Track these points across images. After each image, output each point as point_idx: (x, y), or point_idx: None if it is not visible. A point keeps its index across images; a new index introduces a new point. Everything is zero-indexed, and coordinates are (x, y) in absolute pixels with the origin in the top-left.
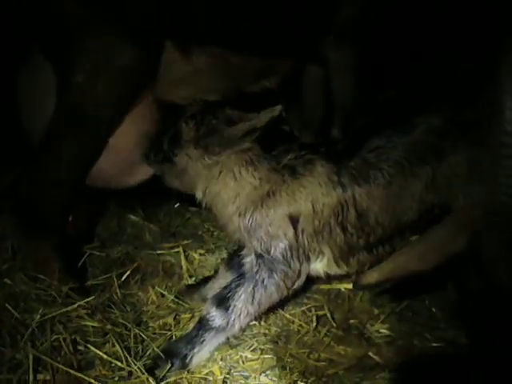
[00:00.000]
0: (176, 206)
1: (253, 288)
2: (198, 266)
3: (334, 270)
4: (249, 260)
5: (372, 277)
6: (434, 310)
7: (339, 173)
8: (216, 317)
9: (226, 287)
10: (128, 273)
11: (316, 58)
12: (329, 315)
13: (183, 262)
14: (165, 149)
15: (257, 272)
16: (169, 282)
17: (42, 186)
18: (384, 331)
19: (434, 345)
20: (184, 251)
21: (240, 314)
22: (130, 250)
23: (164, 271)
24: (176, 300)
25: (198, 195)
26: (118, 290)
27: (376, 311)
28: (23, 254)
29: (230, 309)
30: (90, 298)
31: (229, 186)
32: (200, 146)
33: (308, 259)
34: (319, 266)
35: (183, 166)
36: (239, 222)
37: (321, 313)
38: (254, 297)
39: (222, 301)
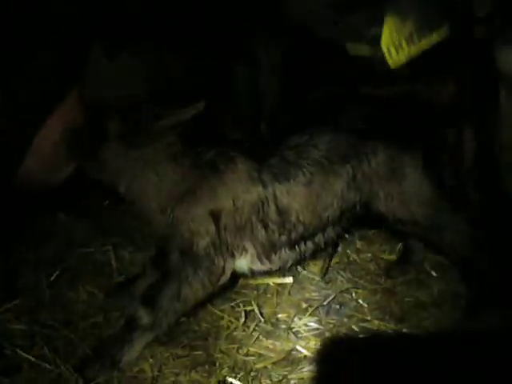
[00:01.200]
0: (105, 203)
1: (178, 285)
2: (128, 263)
3: (258, 267)
4: (173, 258)
5: None
6: (360, 301)
7: (260, 170)
8: (143, 315)
9: (152, 286)
10: (57, 273)
11: (246, 56)
12: (257, 310)
13: (113, 261)
14: (89, 142)
15: (181, 269)
16: (99, 281)
17: None
18: (312, 324)
19: (361, 336)
20: (114, 249)
21: (167, 312)
22: (61, 250)
23: (94, 270)
24: (106, 299)
25: (122, 190)
26: (47, 291)
27: (304, 305)
28: None
29: (157, 307)
30: (16, 301)
31: (151, 181)
32: (124, 139)
33: (232, 255)
34: (243, 262)
35: (107, 161)
36: (161, 218)
37: (249, 308)
38: (179, 294)
39: (149, 299)
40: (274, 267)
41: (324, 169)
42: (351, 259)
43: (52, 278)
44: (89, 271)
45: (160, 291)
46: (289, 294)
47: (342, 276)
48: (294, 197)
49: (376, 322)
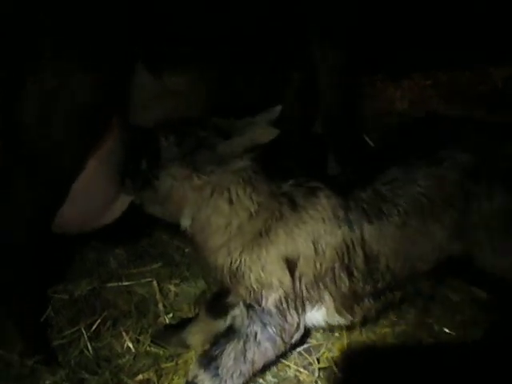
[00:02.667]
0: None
1: (244, 344)
2: (174, 299)
3: (336, 320)
4: (238, 312)
5: None
6: None
7: (346, 207)
8: (205, 381)
9: (213, 344)
10: (97, 323)
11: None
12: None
13: (158, 297)
14: (143, 171)
15: (248, 326)
16: (144, 323)
17: None
18: None
19: None
20: (157, 281)
21: (232, 375)
22: (96, 285)
23: (137, 309)
24: (155, 347)
25: (184, 223)
26: (88, 345)
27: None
28: None
29: (220, 370)
30: (59, 373)
31: (221, 210)
32: (186, 163)
33: (307, 309)
34: (319, 315)
35: (167, 190)
36: (226, 261)
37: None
38: (245, 355)
39: (210, 361)
40: (355, 319)
41: (423, 210)
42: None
43: (93, 328)
44: (131, 311)
45: (223, 351)
46: (360, 332)
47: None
48: (385, 240)
49: None
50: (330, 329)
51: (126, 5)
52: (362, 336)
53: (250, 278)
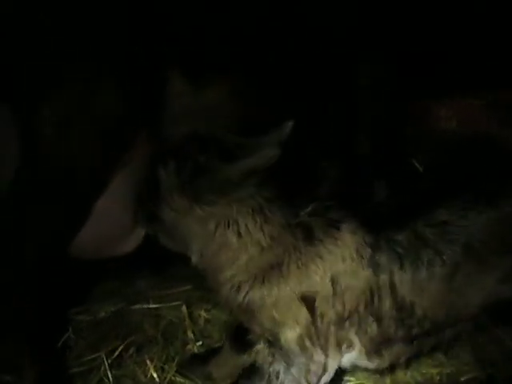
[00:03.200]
0: None
1: None
2: (204, 326)
3: (364, 363)
4: (259, 348)
5: None
6: None
7: (375, 246)
8: None
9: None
10: (120, 349)
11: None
12: None
13: (187, 323)
14: (148, 204)
15: (270, 364)
16: (170, 351)
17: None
18: None
19: None
20: (187, 306)
21: None
22: (121, 307)
23: (164, 335)
24: (179, 376)
25: (193, 259)
26: (109, 373)
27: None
28: None
29: None
30: None
31: (228, 244)
32: (186, 194)
33: (337, 349)
34: (346, 357)
35: (171, 223)
36: (232, 297)
37: None
38: None
39: None
40: (383, 364)
41: (476, 258)
42: None
43: (115, 355)
44: (157, 337)
45: None
46: (404, 373)
47: None
48: (422, 291)
49: None
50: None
51: (158, 10)
52: (405, 376)
53: (261, 316)
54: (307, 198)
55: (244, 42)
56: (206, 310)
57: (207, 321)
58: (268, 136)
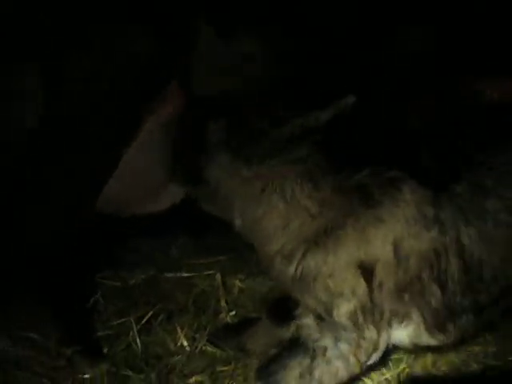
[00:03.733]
0: None
1: (311, 361)
2: (238, 295)
3: (425, 340)
4: (305, 322)
5: None
6: None
7: (437, 203)
8: None
9: (275, 356)
10: (150, 314)
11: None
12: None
13: (221, 292)
14: (191, 161)
15: (316, 340)
16: (202, 320)
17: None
18: None
19: None
20: (222, 275)
21: None
22: (153, 274)
23: (195, 303)
24: (211, 347)
25: (237, 223)
26: (137, 339)
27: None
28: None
29: None
30: (100, 367)
31: (275, 211)
32: (236, 153)
33: (389, 325)
34: (403, 333)
35: (214, 182)
36: (286, 268)
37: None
38: (312, 373)
39: (270, 375)
40: (448, 340)
41: None
42: None
43: (143, 321)
44: (188, 305)
45: (285, 367)
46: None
47: None
48: (491, 246)
49: None
50: (416, 350)
51: None
52: (448, 354)
53: (316, 286)
54: (362, 162)
55: None
56: (241, 280)
57: (241, 291)
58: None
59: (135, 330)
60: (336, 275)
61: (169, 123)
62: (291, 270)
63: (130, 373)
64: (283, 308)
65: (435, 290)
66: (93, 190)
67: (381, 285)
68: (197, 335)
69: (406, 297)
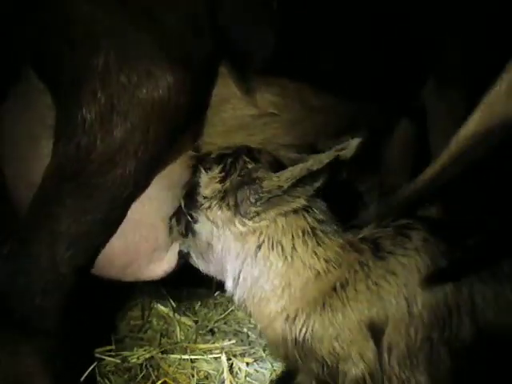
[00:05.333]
0: (216, 294)
1: None
2: (245, 380)
3: None
4: None
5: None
6: None
7: (450, 255)
8: None
9: None
10: None
11: (409, 109)
12: None
13: (226, 375)
14: (184, 212)
15: None
16: None
17: (30, 267)
18: None
19: None
20: (227, 358)
21: None
22: (155, 354)
23: None
24: None
25: (228, 284)
26: None
27: None
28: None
29: None
30: None
31: (273, 270)
32: (227, 204)
33: None
34: None
35: (207, 237)
36: (286, 330)
37: None
38: None
39: None
40: None
41: None
42: None
43: None
44: None
45: None
46: None
47: None
48: (505, 307)
49: None
50: None
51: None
52: None
53: (321, 350)
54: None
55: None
56: (248, 364)
57: (248, 374)
58: (329, 151)
59: None
60: (343, 337)
61: (174, 181)
62: (294, 332)
63: None
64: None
65: (443, 354)
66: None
67: (390, 348)
68: None
69: (415, 361)
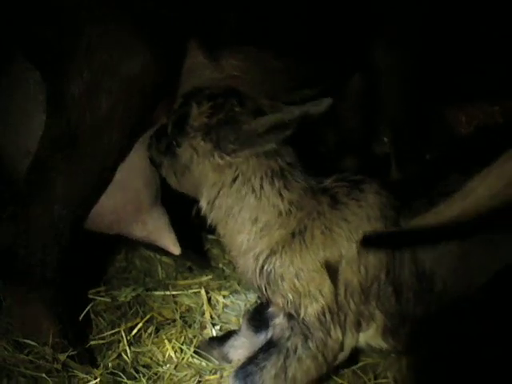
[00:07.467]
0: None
1: (284, 360)
2: (223, 311)
3: (378, 344)
4: (278, 321)
5: (424, 219)
6: None
7: (398, 209)
8: None
9: (250, 358)
10: (139, 325)
11: (361, 63)
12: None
13: (206, 307)
14: (168, 134)
15: (288, 338)
16: (188, 333)
17: (31, 226)
18: None
19: None
20: (206, 292)
21: None
22: (141, 292)
23: (182, 318)
24: (196, 356)
25: (202, 205)
26: (127, 349)
27: None
28: (7, 313)
29: None
30: (93, 370)
31: (245, 201)
32: (210, 137)
33: (356, 326)
34: (362, 336)
35: (187, 161)
36: (254, 264)
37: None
38: (286, 372)
39: (247, 377)
40: (398, 347)
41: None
42: None
43: (133, 332)
44: (175, 320)
45: (261, 368)
46: None
47: None
48: (442, 258)
49: None
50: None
51: None
52: None
53: (283, 286)
54: (329, 171)
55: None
56: (225, 297)
57: (225, 306)
58: (304, 105)
59: (125, 340)
60: (303, 276)
61: None
62: (259, 268)
63: (122, 378)
64: (259, 316)
65: (390, 292)
66: (89, 205)
67: (346, 284)
68: (184, 347)
69: (370, 298)
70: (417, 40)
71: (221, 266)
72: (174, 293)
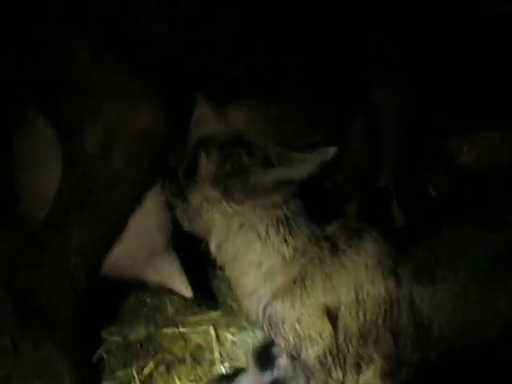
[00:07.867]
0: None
1: None
2: (231, 348)
3: None
4: (282, 362)
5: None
6: None
7: (396, 259)
8: None
9: None
10: (151, 365)
11: (362, 106)
12: None
13: (214, 345)
14: (180, 180)
15: (292, 378)
16: (198, 370)
17: (48, 273)
18: None
19: None
20: (214, 329)
21: None
22: (151, 330)
23: (192, 356)
24: None
25: (212, 248)
26: None
27: None
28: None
29: None
30: None
31: (251, 246)
32: (219, 186)
33: (356, 369)
34: (362, 379)
35: (197, 206)
36: (257, 305)
37: None
38: None
39: None
40: None
41: (485, 276)
42: None
43: (144, 372)
44: (185, 358)
45: None
46: None
47: None
48: (440, 307)
49: None
50: None
51: (193, 38)
52: None
53: (285, 329)
54: (333, 216)
55: (268, 72)
56: (233, 334)
57: (234, 343)
58: (312, 153)
59: (137, 379)
60: (303, 320)
61: None
62: (262, 309)
63: None
64: (265, 355)
65: (389, 338)
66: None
67: (345, 329)
68: None
69: (369, 342)
70: (415, 79)
71: (229, 301)
72: (183, 330)
